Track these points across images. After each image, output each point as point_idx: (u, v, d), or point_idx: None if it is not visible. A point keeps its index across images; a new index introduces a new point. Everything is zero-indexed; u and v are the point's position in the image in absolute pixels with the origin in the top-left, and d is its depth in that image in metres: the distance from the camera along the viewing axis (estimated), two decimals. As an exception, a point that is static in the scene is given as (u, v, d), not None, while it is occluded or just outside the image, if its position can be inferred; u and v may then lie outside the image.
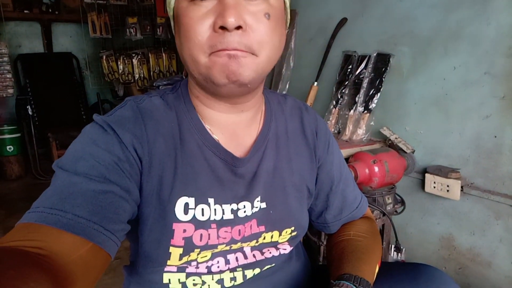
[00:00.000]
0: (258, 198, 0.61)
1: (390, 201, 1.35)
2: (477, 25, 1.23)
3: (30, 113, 3.32)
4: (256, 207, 0.61)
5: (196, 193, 0.56)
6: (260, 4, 0.49)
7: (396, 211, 1.40)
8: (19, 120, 3.48)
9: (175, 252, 0.55)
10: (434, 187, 1.34)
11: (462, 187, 1.28)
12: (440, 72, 1.36)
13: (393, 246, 1.47)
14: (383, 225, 1.41)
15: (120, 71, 3.59)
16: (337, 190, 0.71)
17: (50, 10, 3.80)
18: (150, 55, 3.66)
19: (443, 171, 1.31)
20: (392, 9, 1.51)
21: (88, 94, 4.16)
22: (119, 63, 3.57)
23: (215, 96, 0.56)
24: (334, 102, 1.69)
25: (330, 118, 1.68)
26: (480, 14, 1.22)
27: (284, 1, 0.56)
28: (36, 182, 3.25)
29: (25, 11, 3.64)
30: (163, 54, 3.72)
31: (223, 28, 0.47)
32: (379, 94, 1.53)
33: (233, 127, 0.61)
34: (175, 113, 0.59)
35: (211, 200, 0.57)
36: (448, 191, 1.30)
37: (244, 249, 0.63)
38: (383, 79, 1.52)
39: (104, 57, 3.55)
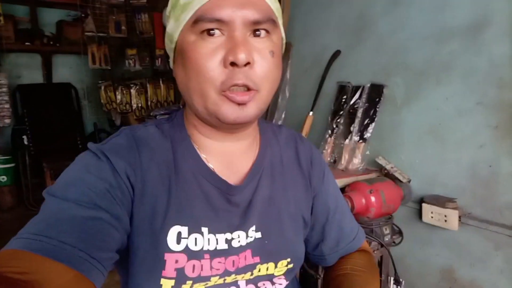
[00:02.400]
0: (253, 228, 0.60)
1: (387, 231, 1.33)
2: (468, 57, 1.27)
3: (25, 142, 3.31)
4: (251, 237, 0.60)
5: (189, 222, 0.55)
6: (265, 42, 0.52)
7: (394, 242, 1.37)
8: (14, 150, 3.46)
9: (167, 284, 0.54)
10: (432, 217, 1.32)
11: (460, 217, 1.26)
12: (433, 102, 1.38)
13: (392, 278, 1.43)
14: (381, 257, 1.38)
15: (118, 101, 3.62)
16: (333, 220, 0.70)
17: (51, 42, 3.88)
18: (148, 85, 3.71)
19: (440, 201, 1.29)
20: (385, 41, 1.55)
21: (85, 124, 4.18)
22: (117, 93, 3.61)
23: (214, 127, 0.57)
24: (329, 132, 1.70)
25: (326, 147, 1.68)
26: (471, 46, 1.26)
27: (282, 37, 0.59)
28: (29, 213, 3.19)
29: (27, 43, 3.72)
30: (161, 85, 3.78)
31: (233, 64, 0.49)
32: (373, 123, 1.54)
33: (229, 155, 0.61)
34: (170, 141, 0.59)
35: (204, 229, 0.56)
36: (446, 221, 1.28)
37: (239, 282, 0.60)
38: (377, 109, 1.54)
39: (103, 87, 3.59)
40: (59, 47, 3.95)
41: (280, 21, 0.57)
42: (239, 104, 0.51)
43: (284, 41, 0.61)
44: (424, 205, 1.34)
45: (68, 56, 4.14)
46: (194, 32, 0.51)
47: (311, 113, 1.80)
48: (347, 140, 1.61)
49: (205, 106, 0.53)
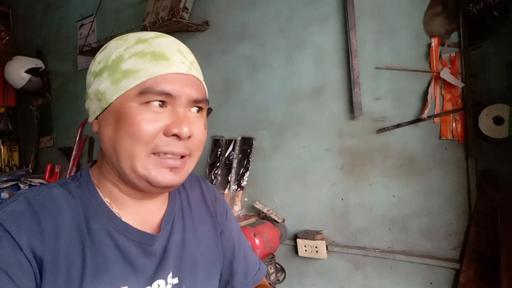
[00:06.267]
0: (170, 274, 0.61)
1: (272, 270, 1.45)
2: (315, 113, 1.57)
3: None
4: (169, 284, 0.61)
5: (107, 284, 0.53)
6: (200, 117, 0.59)
7: (278, 280, 1.49)
8: None
9: None
10: (306, 250, 1.50)
11: (327, 246, 1.48)
12: (294, 150, 1.63)
13: (280, 315, 1.53)
14: (269, 296, 1.47)
15: None
16: (239, 255, 0.76)
17: None
18: (-16, 148, 3.13)
19: (310, 234, 1.50)
20: (250, 100, 1.78)
21: None
22: None
23: (137, 188, 0.58)
24: (208, 183, 1.78)
25: (206, 199, 1.75)
26: (315, 105, 1.57)
27: None
28: None
29: None
30: (1, 147, 3.24)
31: (174, 135, 0.53)
32: (248, 172, 1.71)
33: (145, 210, 0.62)
34: (79, 201, 0.56)
35: None
36: (317, 252, 1.48)
37: None
38: (250, 159, 1.72)
39: None
40: None
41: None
42: (171, 168, 0.55)
43: None
44: (298, 240, 1.52)
45: None
46: (137, 101, 0.53)
47: (188, 167, 1.86)
48: (226, 190, 1.71)
49: (134, 169, 0.54)
